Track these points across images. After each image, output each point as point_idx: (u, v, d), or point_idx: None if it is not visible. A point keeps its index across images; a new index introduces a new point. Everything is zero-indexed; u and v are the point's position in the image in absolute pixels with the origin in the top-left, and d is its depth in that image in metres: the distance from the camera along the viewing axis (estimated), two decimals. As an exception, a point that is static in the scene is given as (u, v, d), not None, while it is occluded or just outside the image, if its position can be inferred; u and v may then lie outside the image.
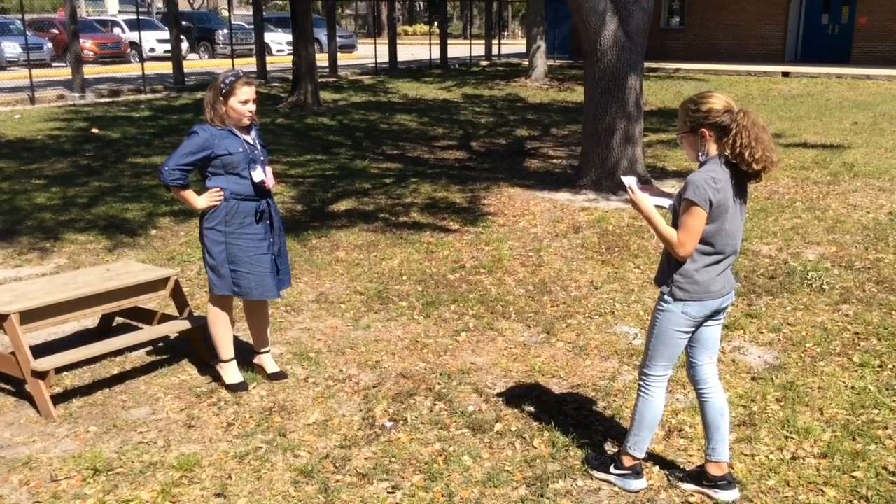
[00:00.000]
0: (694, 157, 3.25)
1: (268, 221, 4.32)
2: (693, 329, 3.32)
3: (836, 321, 5.36)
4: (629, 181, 3.35)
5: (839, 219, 7.83)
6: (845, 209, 8.21)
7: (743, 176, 3.15)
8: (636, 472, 3.50)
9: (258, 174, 4.20)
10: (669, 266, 3.25)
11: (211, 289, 4.37)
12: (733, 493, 3.43)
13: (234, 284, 4.30)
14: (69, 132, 13.57)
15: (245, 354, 4.75)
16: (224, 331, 4.46)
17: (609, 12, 8.76)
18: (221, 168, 4.18)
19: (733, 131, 3.10)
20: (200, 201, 4.21)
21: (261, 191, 4.25)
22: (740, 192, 3.18)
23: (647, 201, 3.27)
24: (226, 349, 4.48)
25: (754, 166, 3.08)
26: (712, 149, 3.17)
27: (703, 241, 3.16)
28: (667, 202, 3.33)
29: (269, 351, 4.67)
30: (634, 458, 3.49)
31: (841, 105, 16.65)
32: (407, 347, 5.05)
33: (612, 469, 3.54)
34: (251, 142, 4.26)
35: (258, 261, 4.28)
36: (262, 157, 4.27)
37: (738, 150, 3.07)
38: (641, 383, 3.43)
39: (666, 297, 3.26)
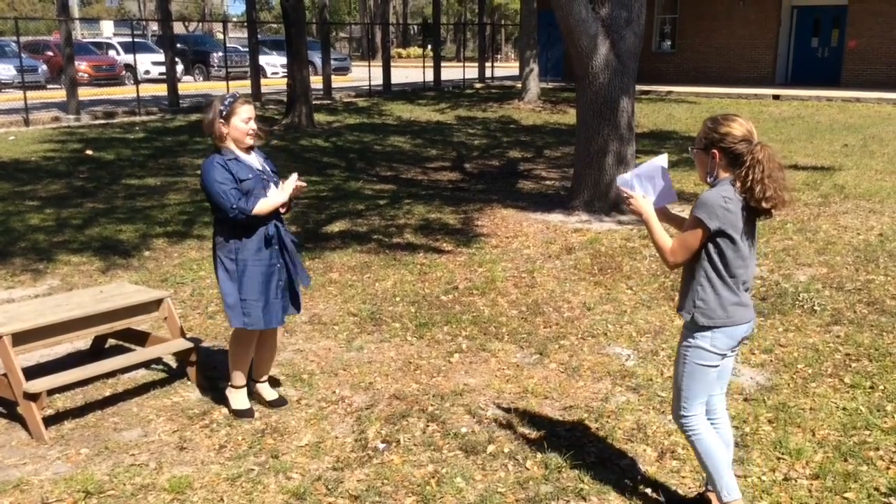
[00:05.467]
0: (702, 177, 3.16)
1: (276, 246, 4.25)
2: (721, 361, 3.20)
3: (827, 342, 5.39)
4: (623, 183, 3.30)
5: (830, 240, 7.88)
6: (836, 231, 8.27)
7: (752, 208, 3.05)
8: None
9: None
10: (689, 293, 3.16)
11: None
12: None
13: (243, 314, 4.19)
14: (63, 154, 13.59)
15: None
16: (244, 356, 4.38)
17: (600, 36, 8.85)
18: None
19: (746, 163, 3.00)
20: (280, 196, 4.18)
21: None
22: (749, 218, 3.07)
23: (647, 205, 3.22)
24: (240, 375, 4.42)
25: (763, 204, 2.97)
26: (721, 174, 3.09)
27: (716, 265, 3.08)
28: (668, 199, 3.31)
29: (266, 380, 4.61)
30: (735, 500, 3.29)
31: (831, 127, 16.79)
32: (400, 369, 5.05)
33: None
34: (259, 166, 4.24)
35: (264, 288, 4.21)
36: (274, 179, 4.27)
37: (748, 184, 2.98)
38: (687, 429, 3.25)
39: (692, 330, 3.15)
